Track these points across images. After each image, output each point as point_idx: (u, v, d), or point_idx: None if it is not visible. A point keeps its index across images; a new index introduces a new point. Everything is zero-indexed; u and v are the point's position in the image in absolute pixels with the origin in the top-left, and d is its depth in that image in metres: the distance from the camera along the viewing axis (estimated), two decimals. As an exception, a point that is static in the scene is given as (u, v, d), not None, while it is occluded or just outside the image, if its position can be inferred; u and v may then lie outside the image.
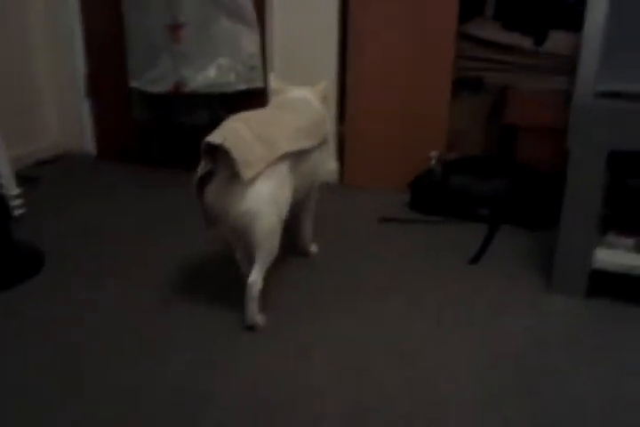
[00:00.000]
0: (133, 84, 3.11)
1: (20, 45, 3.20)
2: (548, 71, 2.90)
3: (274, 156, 1.75)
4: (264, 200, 1.73)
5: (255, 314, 1.79)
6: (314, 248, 2.30)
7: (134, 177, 3.19)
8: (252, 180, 1.70)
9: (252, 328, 1.80)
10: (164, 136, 3.32)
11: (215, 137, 1.70)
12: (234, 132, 1.73)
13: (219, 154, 1.72)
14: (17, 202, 2.59)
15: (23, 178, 2.87)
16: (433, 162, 2.67)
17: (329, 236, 2.47)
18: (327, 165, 2.65)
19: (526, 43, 2.91)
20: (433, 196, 2.69)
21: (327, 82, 2.21)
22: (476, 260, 2.28)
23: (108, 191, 2.98)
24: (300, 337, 1.80)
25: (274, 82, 2.18)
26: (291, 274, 2.16)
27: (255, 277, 1.76)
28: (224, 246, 2.10)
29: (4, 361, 1.65)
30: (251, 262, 1.81)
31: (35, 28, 3.26)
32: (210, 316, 1.88)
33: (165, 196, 2.92)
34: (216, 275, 2.15)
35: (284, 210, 1.80)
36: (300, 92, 2.12)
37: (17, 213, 2.58)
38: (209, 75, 2.96)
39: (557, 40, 2.85)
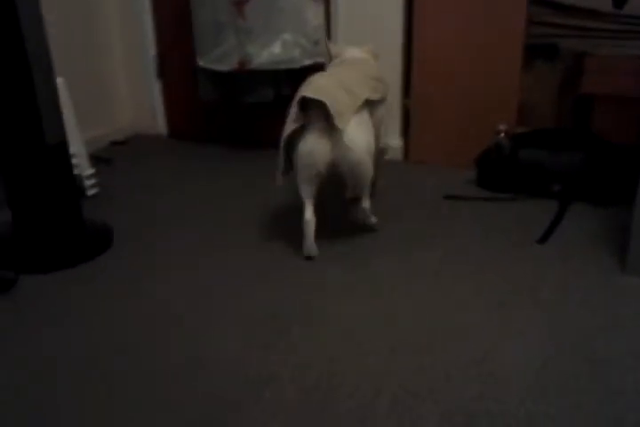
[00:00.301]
0: (200, 62, 3.14)
1: (93, 28, 3.29)
2: (628, 36, 2.70)
3: (357, 103, 1.99)
4: (362, 147, 1.98)
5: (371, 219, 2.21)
6: (374, 219, 2.26)
7: (204, 156, 3.25)
8: (345, 128, 1.93)
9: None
10: (232, 114, 3.35)
11: (310, 92, 1.92)
12: (324, 87, 1.96)
13: (312, 107, 1.93)
14: (90, 182, 2.70)
15: (97, 159, 2.99)
16: (501, 136, 2.56)
17: (392, 213, 2.44)
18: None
19: (605, 6, 2.72)
20: (501, 171, 2.59)
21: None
22: (544, 239, 2.18)
23: (179, 170, 3.04)
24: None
25: (333, 47, 2.44)
26: (353, 252, 2.15)
27: (367, 203, 2.15)
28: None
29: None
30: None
31: (106, 9, 3.33)
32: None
33: (234, 172, 2.97)
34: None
35: (373, 148, 2.05)
36: (357, 53, 2.38)
37: (90, 192, 2.69)
38: (274, 51, 2.94)
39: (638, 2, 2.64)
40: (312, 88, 1.95)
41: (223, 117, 3.39)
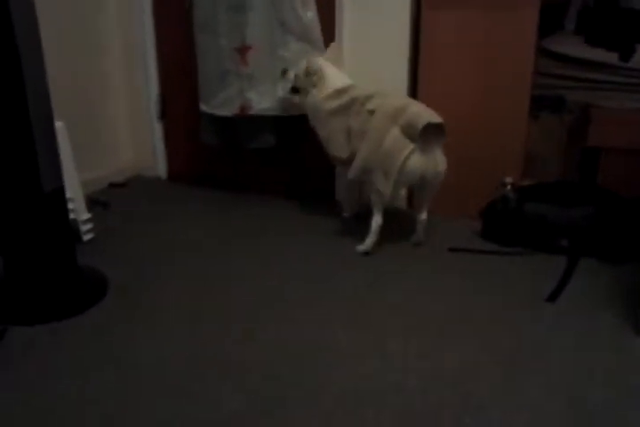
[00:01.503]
0: (203, 107, 3.13)
1: (95, 68, 3.27)
2: (634, 89, 2.69)
3: None
4: (445, 162, 2.44)
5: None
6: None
7: (203, 200, 3.20)
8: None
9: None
10: (233, 159, 3.32)
11: (434, 118, 2.33)
12: (432, 112, 2.37)
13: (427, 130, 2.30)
14: (87, 227, 2.63)
15: (94, 202, 2.93)
16: (507, 188, 2.51)
17: (396, 264, 2.39)
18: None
19: (612, 58, 2.72)
20: (507, 225, 2.53)
21: None
22: (554, 297, 2.11)
23: (178, 215, 2.98)
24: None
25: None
26: (355, 307, 2.08)
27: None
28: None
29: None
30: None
31: (109, 50, 3.33)
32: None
33: (234, 218, 2.91)
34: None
35: None
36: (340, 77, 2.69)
37: (86, 238, 2.62)
38: (274, 97, 2.93)
39: (646, 56, 2.65)
40: (431, 113, 2.35)
41: (224, 162, 3.36)
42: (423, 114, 2.34)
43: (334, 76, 2.66)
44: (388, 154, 2.34)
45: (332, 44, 2.76)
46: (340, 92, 2.58)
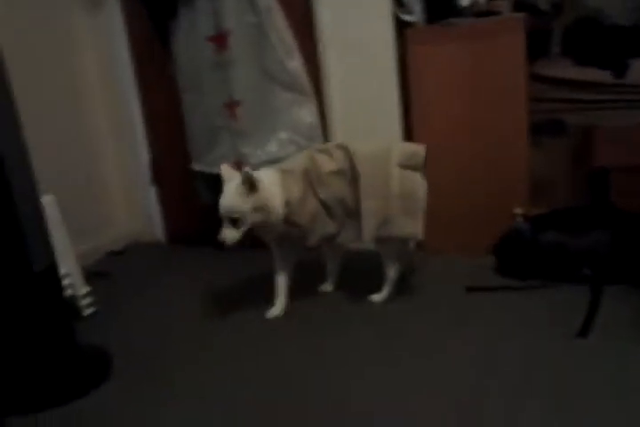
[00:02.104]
0: (196, 166, 3.07)
1: (82, 137, 3.23)
2: (633, 105, 2.61)
3: None
4: None
5: None
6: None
7: (206, 261, 3.07)
8: None
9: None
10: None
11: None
12: None
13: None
14: (87, 301, 2.52)
15: (94, 274, 2.83)
16: (519, 220, 2.40)
17: (414, 308, 2.28)
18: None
19: (606, 77, 2.65)
20: (523, 258, 2.41)
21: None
22: (584, 332, 1.97)
23: (181, 281, 2.86)
24: None
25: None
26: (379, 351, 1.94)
27: None
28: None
29: None
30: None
31: (95, 119, 3.30)
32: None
33: (239, 277, 2.78)
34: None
35: None
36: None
37: (87, 312, 2.51)
38: (270, 149, 2.87)
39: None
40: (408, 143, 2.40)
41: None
42: (409, 144, 2.35)
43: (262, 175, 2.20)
44: (407, 195, 2.21)
45: (246, 172, 2.10)
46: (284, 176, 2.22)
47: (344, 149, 2.24)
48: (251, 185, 2.06)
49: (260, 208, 2.08)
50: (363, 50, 2.75)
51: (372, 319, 2.25)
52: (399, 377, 1.84)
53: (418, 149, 2.26)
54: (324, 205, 2.22)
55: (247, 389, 1.88)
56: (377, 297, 2.36)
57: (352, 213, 2.24)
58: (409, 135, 2.78)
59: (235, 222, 2.07)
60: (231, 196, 2.08)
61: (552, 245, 2.36)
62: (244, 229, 2.09)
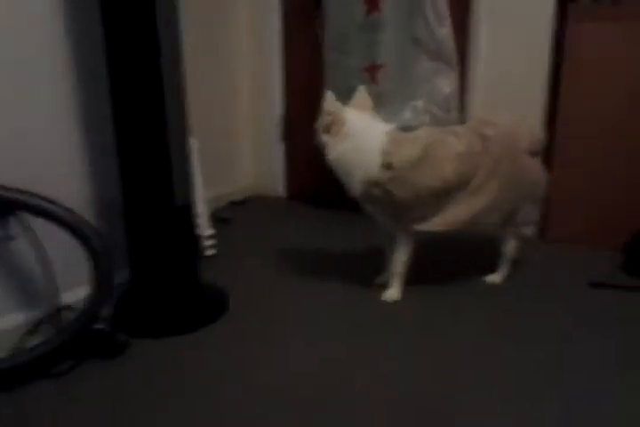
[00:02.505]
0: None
1: (224, 89, 3.33)
2: None
3: None
4: None
5: None
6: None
7: (322, 219, 3.15)
8: None
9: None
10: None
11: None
12: None
13: None
14: (209, 242, 2.63)
15: (216, 219, 2.94)
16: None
17: (534, 300, 2.20)
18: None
19: None
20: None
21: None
22: None
23: (296, 234, 2.94)
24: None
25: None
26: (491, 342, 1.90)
27: None
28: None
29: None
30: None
31: (238, 72, 3.39)
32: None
33: (352, 237, 2.81)
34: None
35: None
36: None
37: (208, 253, 2.62)
38: (403, 116, 2.82)
39: None
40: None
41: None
42: (532, 128, 2.28)
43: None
44: (534, 184, 2.21)
45: (361, 89, 2.17)
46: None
47: (476, 132, 2.15)
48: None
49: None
50: (518, 23, 2.63)
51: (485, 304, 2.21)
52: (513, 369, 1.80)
53: (541, 135, 2.23)
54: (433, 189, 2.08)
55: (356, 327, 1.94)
56: (494, 278, 2.30)
57: (470, 194, 2.12)
58: (551, 121, 2.65)
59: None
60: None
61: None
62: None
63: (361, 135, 2.07)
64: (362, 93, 2.15)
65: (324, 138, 2.09)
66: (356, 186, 2.09)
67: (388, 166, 2.02)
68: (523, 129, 2.22)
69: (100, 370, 1.76)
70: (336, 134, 2.06)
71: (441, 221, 2.11)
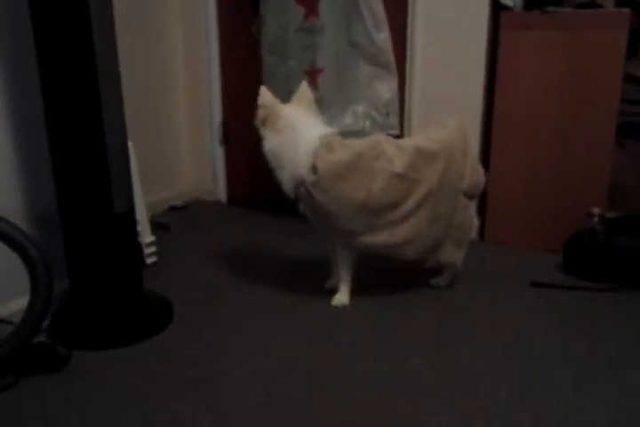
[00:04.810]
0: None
1: (161, 94, 3.26)
2: None
3: None
4: None
5: None
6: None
7: (261, 224, 3.13)
8: None
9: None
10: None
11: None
12: None
13: None
14: (150, 250, 2.57)
15: (156, 225, 2.87)
16: (595, 220, 2.35)
17: (475, 301, 2.25)
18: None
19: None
20: (594, 259, 2.36)
21: None
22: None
23: (237, 239, 2.90)
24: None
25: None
26: (439, 343, 1.94)
27: None
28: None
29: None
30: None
31: (175, 76, 3.32)
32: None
33: (292, 242, 2.81)
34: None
35: None
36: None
37: (149, 261, 2.55)
38: (343, 121, 2.84)
39: None
40: (478, 166, 2.23)
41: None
42: (478, 167, 2.22)
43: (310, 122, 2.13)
44: (463, 225, 2.19)
45: (303, 84, 2.20)
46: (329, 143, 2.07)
47: (418, 153, 2.09)
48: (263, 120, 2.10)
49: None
50: (454, 29, 2.69)
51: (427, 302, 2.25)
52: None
53: (482, 180, 2.23)
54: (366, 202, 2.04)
55: (300, 333, 1.93)
56: (438, 280, 2.34)
57: (397, 221, 2.09)
58: (488, 125, 2.73)
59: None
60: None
61: (625, 249, 2.31)
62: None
63: (297, 131, 2.07)
64: (304, 89, 2.17)
65: (261, 131, 2.12)
66: (287, 183, 2.09)
67: (313, 169, 2.01)
68: (466, 166, 2.16)
69: (40, 385, 1.69)
70: (272, 128, 2.08)
71: (367, 241, 2.09)
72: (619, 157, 2.59)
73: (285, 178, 2.08)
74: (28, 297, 1.70)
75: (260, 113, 2.11)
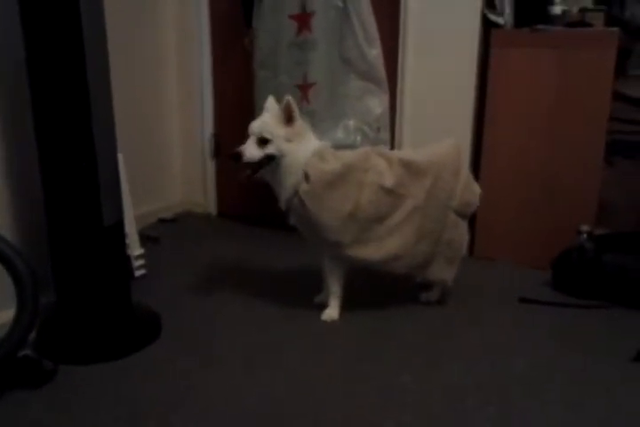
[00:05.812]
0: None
1: (153, 105, 3.26)
2: None
3: None
4: None
5: None
6: None
7: (252, 237, 3.12)
8: None
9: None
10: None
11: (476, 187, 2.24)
12: None
13: None
14: (139, 263, 2.56)
15: (145, 237, 2.86)
16: (584, 237, 2.36)
17: (464, 316, 2.25)
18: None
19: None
20: (583, 276, 2.36)
21: None
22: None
23: (227, 253, 2.88)
24: None
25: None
26: (429, 359, 1.93)
27: None
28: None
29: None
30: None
31: (167, 89, 3.33)
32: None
33: (283, 255, 2.80)
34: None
35: None
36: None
37: (138, 273, 2.54)
38: (335, 135, 2.85)
39: None
40: (473, 185, 2.23)
41: (275, 199, 3.28)
42: (472, 187, 2.21)
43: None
44: (454, 242, 2.18)
45: (288, 99, 2.08)
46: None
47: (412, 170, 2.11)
48: (289, 116, 2.02)
49: (290, 140, 2.01)
50: (445, 46, 2.72)
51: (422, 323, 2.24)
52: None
53: (475, 200, 2.20)
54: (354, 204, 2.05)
55: (289, 352, 1.91)
56: (429, 296, 2.33)
57: (384, 235, 2.10)
58: (479, 140, 2.75)
59: (262, 142, 2.01)
60: (267, 118, 2.05)
61: (613, 266, 2.32)
62: (268, 152, 2.00)
63: (303, 140, 2.07)
64: (272, 103, 2.14)
65: (278, 131, 2.02)
66: (285, 192, 2.07)
67: (306, 178, 2.02)
68: (457, 185, 2.16)
69: (24, 400, 1.67)
70: (291, 126, 2.03)
71: (355, 253, 2.10)
72: (607, 175, 2.62)
73: (287, 186, 2.05)
74: (13, 309, 1.68)
75: (283, 112, 2.04)
